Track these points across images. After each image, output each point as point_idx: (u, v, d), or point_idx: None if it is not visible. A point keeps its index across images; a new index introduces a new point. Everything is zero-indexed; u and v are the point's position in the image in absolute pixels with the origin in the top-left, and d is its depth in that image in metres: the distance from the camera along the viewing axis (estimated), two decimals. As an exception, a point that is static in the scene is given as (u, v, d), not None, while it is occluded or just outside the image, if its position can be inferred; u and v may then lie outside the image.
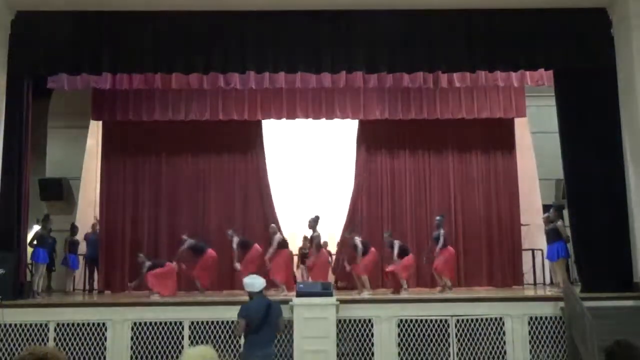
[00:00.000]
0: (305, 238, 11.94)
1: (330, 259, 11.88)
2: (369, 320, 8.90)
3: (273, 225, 11.63)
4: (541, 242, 11.90)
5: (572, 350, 8.45)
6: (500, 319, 8.91)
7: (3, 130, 9.76)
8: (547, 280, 12.30)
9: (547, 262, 11.75)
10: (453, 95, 12.59)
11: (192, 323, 8.88)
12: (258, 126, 13.31)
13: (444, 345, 8.85)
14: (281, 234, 11.63)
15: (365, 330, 8.88)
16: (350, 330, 8.86)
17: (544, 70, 10.97)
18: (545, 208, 11.77)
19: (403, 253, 11.05)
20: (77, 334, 8.79)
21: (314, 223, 11.21)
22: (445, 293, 10.64)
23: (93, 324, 8.81)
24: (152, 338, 8.82)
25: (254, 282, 6.29)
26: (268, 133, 13.48)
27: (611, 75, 9.89)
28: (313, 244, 11.19)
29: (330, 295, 8.95)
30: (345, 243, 11.98)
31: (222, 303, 9.54)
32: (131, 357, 8.76)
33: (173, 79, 11.50)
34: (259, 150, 13.32)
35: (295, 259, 12.04)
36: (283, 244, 11.23)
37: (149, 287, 10.72)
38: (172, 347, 8.79)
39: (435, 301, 9.43)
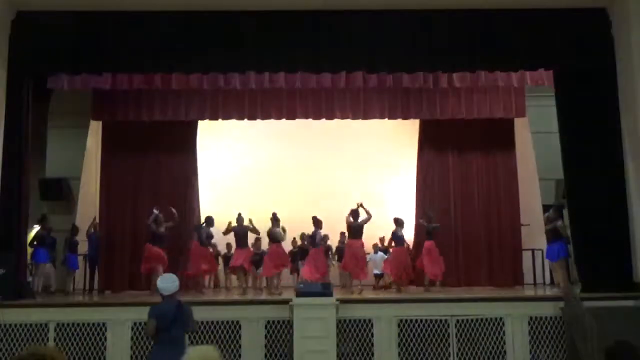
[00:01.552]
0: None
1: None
2: (369, 320, 8.89)
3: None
4: (541, 242, 11.89)
5: (572, 351, 8.45)
6: (500, 319, 8.90)
7: (3, 130, 9.76)
8: (547, 280, 12.31)
9: (547, 262, 11.75)
10: (453, 95, 12.59)
11: (192, 323, 8.85)
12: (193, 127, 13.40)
13: (444, 345, 8.85)
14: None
15: (365, 330, 8.87)
16: (350, 330, 8.85)
17: (544, 70, 10.98)
18: (545, 208, 11.78)
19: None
20: (77, 334, 8.79)
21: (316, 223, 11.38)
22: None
23: (93, 324, 8.80)
24: (152, 338, 8.81)
25: (167, 286, 6.23)
26: (268, 132, 13.54)
27: (611, 75, 9.90)
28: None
29: (330, 295, 8.96)
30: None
31: (222, 303, 9.56)
32: (131, 357, 8.75)
33: (173, 79, 11.51)
34: (190, 152, 13.42)
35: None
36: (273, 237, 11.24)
37: None
38: (172, 347, 8.77)
39: (435, 301, 9.42)
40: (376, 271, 12.33)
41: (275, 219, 11.29)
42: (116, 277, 12.59)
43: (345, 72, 11.01)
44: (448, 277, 11.98)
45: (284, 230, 11.25)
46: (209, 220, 11.78)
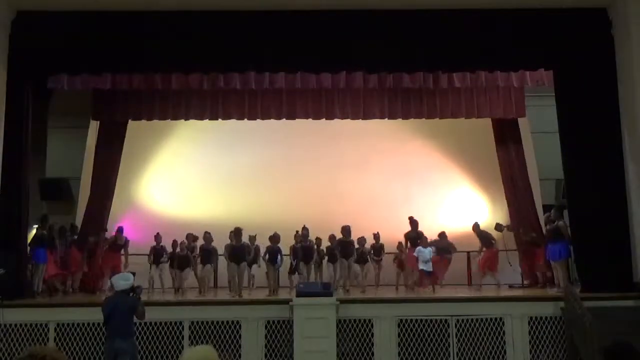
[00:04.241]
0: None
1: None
2: (369, 320, 8.90)
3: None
4: (541, 242, 11.88)
5: (572, 350, 8.45)
6: (500, 319, 8.91)
7: (3, 130, 9.77)
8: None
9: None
10: (453, 95, 12.58)
11: (192, 323, 8.88)
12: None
13: (444, 345, 8.85)
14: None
15: (365, 330, 8.88)
16: (350, 330, 8.86)
17: (544, 70, 10.98)
18: (546, 208, 11.76)
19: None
20: (77, 334, 8.80)
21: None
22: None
23: (93, 324, 8.79)
24: (152, 338, 8.82)
25: (117, 283, 7.12)
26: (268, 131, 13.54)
27: (611, 76, 9.90)
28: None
29: (330, 295, 8.96)
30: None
31: (222, 303, 9.56)
32: (131, 357, 8.75)
33: (173, 79, 11.50)
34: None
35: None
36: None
37: None
38: (172, 347, 8.79)
39: (435, 301, 9.44)
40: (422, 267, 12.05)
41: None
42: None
43: (345, 72, 11.02)
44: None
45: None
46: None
